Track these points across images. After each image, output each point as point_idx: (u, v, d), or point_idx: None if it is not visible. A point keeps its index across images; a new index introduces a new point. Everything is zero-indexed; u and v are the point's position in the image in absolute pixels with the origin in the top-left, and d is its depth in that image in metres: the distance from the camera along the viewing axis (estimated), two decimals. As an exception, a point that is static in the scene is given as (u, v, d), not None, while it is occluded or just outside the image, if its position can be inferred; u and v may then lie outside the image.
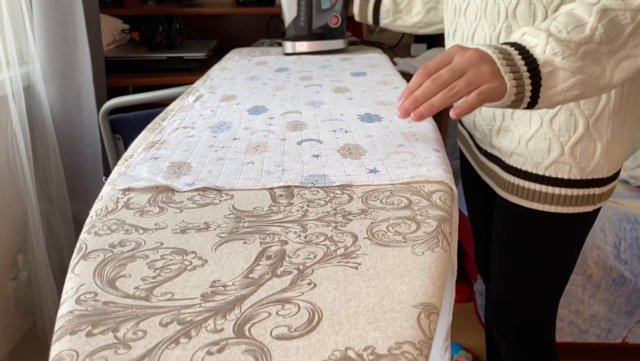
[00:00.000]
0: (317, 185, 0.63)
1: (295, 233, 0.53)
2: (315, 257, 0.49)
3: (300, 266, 0.48)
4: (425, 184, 0.62)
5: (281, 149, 0.74)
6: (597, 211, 0.95)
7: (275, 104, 0.94)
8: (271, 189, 0.63)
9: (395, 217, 0.56)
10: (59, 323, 0.42)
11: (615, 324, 1.69)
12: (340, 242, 0.52)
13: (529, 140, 0.90)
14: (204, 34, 2.34)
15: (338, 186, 0.63)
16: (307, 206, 0.59)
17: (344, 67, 1.23)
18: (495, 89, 0.70)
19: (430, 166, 0.67)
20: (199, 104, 0.95)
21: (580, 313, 1.66)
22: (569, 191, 0.90)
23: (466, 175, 1.19)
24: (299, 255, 0.50)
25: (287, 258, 0.49)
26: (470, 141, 1.08)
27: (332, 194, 0.61)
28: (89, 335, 0.40)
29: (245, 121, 0.85)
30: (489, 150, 0.99)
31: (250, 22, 2.39)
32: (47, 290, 1.72)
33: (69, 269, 0.49)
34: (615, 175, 0.94)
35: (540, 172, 0.91)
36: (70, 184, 1.80)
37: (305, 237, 0.53)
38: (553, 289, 1.03)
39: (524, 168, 0.92)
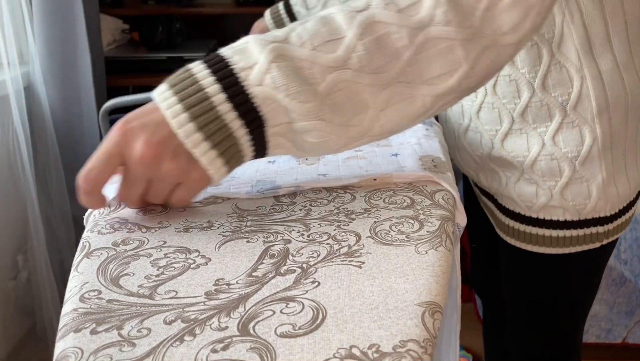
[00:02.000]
0: (263, 192, 0.61)
1: (299, 231, 0.54)
2: (318, 256, 0.49)
3: (304, 265, 0.48)
4: (429, 184, 0.62)
5: None
6: (611, 243, 0.85)
7: None
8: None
9: (398, 216, 0.56)
10: (63, 321, 0.42)
11: (615, 324, 1.69)
12: (344, 241, 0.52)
13: (515, 183, 0.81)
14: (204, 34, 2.34)
15: (341, 186, 0.63)
16: (310, 205, 0.59)
17: None
18: (195, 184, 0.53)
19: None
20: None
21: (580, 313, 1.66)
22: (567, 233, 0.81)
23: (465, 193, 1.11)
24: (302, 254, 0.50)
25: (290, 257, 0.49)
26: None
27: (334, 193, 0.61)
28: (94, 332, 0.40)
29: None
30: (481, 186, 0.92)
31: (250, 22, 2.38)
32: (47, 290, 1.72)
33: (72, 268, 0.49)
34: (625, 209, 0.83)
35: (534, 215, 0.82)
36: (70, 184, 1.80)
37: (308, 236, 0.53)
38: (574, 322, 0.96)
39: (516, 210, 0.84)
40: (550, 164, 0.76)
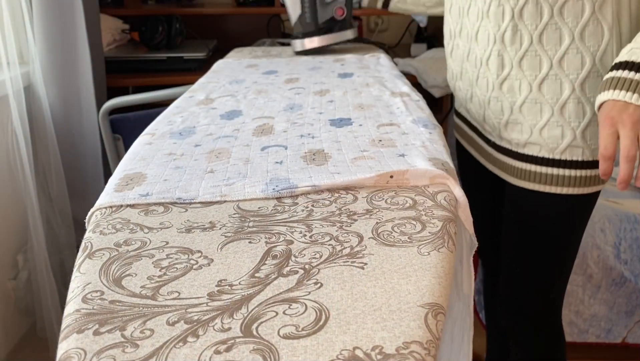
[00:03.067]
0: (279, 190, 0.61)
1: (301, 232, 0.53)
2: (321, 257, 0.49)
3: (307, 266, 0.48)
4: (430, 185, 0.62)
5: (244, 155, 0.71)
6: (598, 193, 1.00)
7: (252, 109, 0.91)
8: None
9: (400, 217, 0.56)
10: (65, 322, 0.42)
11: (615, 324, 1.69)
12: (346, 242, 0.52)
13: (542, 128, 0.93)
14: (204, 34, 2.34)
15: (344, 187, 0.62)
16: (312, 205, 0.59)
17: (333, 69, 1.22)
18: None
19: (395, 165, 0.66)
20: (173, 108, 0.93)
21: (580, 313, 1.66)
22: (581, 173, 0.94)
23: (467, 171, 1.20)
24: (304, 255, 0.50)
25: (292, 258, 0.49)
26: (475, 135, 1.10)
27: (336, 194, 0.61)
28: (96, 333, 0.40)
29: (213, 126, 0.82)
30: (498, 142, 1.02)
31: (250, 22, 2.39)
32: (47, 290, 1.72)
33: (75, 268, 0.49)
34: None
35: (557, 157, 0.94)
36: (70, 184, 1.80)
37: (310, 237, 0.53)
38: (562, 269, 1.06)
39: (540, 155, 0.95)
40: (577, 108, 0.89)
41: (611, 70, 0.79)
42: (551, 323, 1.10)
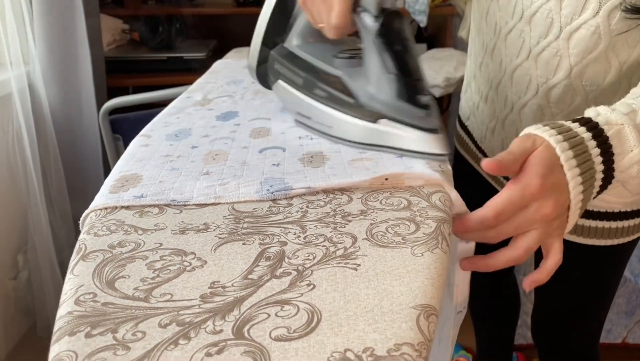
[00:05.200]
0: (272, 192, 0.61)
1: (295, 233, 0.53)
2: (314, 258, 0.49)
3: (300, 267, 0.48)
4: (425, 186, 0.62)
5: (242, 157, 0.71)
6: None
7: (249, 110, 0.90)
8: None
9: (394, 218, 0.56)
10: (58, 324, 0.42)
11: (615, 324, 1.69)
12: (340, 243, 0.52)
13: None
14: (204, 34, 2.34)
15: (339, 189, 0.62)
16: (307, 206, 0.58)
17: None
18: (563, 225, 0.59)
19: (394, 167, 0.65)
20: (170, 108, 0.92)
21: (580, 313, 1.66)
22: (625, 223, 0.87)
23: (466, 182, 1.09)
24: (298, 256, 0.50)
25: (286, 259, 0.49)
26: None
27: (331, 195, 0.61)
28: (88, 336, 0.40)
29: (209, 128, 0.82)
30: None
31: (250, 22, 2.38)
32: (47, 290, 1.72)
33: (68, 270, 0.49)
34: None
35: (602, 210, 0.85)
36: (70, 184, 1.80)
37: (304, 238, 0.53)
38: (605, 305, 1.03)
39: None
40: None
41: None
42: (592, 356, 1.08)
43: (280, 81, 0.81)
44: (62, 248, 1.81)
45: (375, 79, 0.68)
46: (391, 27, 0.66)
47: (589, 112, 0.61)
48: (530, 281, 0.60)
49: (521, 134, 0.60)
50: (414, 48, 0.68)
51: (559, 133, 0.57)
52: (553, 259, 0.59)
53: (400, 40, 0.67)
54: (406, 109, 0.66)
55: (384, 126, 0.69)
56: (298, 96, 0.78)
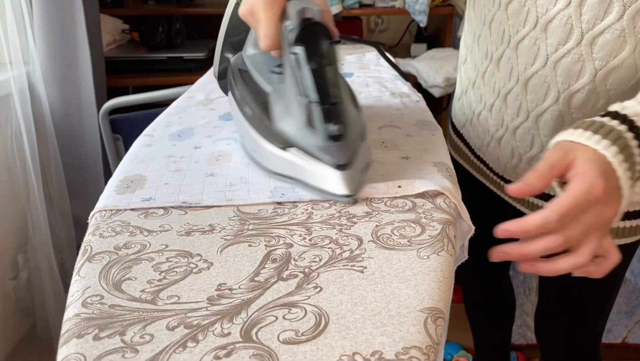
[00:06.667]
0: (286, 200, 0.60)
1: (300, 235, 0.53)
2: (320, 260, 0.49)
3: (306, 270, 0.48)
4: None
5: (245, 158, 0.70)
6: None
7: None
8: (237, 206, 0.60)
9: (399, 220, 0.56)
10: (65, 326, 0.42)
11: (615, 324, 1.69)
12: (346, 245, 0.52)
13: None
14: (204, 34, 2.34)
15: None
16: (312, 208, 0.58)
17: None
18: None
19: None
20: (172, 108, 0.92)
21: (580, 314, 1.66)
22: (633, 223, 0.86)
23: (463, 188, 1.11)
24: (304, 258, 0.50)
25: (292, 261, 0.49)
26: (485, 168, 1.00)
27: (336, 197, 0.61)
28: (96, 338, 0.40)
29: (212, 128, 0.82)
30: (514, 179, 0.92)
31: (250, 22, 2.38)
32: (47, 290, 1.72)
33: (74, 272, 0.49)
34: None
35: None
36: (70, 184, 1.80)
37: (310, 240, 0.53)
38: (608, 305, 1.03)
39: None
40: None
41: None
42: (594, 355, 1.09)
43: (230, 93, 0.74)
44: (62, 248, 1.81)
45: (288, 100, 0.61)
46: (308, 40, 0.58)
47: (615, 107, 0.60)
48: (585, 272, 0.58)
49: (552, 142, 0.59)
50: (333, 67, 0.59)
51: (595, 133, 0.56)
52: (613, 261, 0.57)
53: (316, 57, 0.58)
54: (313, 138, 0.58)
55: (292, 155, 0.61)
56: (235, 112, 0.71)
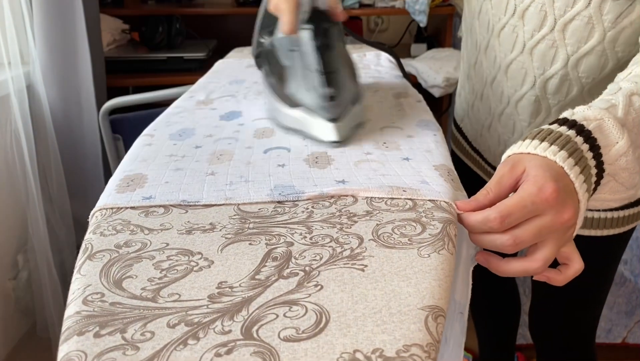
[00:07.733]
0: (285, 199, 0.60)
1: (301, 234, 0.53)
2: (321, 258, 0.49)
3: (307, 268, 0.48)
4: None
5: (246, 158, 0.71)
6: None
7: (252, 110, 0.90)
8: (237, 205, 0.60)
9: (400, 219, 0.56)
10: (66, 324, 0.42)
11: (615, 324, 1.69)
12: (346, 244, 0.52)
13: None
14: (204, 34, 2.34)
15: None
16: (312, 207, 0.59)
17: None
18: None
19: (402, 176, 0.64)
20: (173, 108, 0.92)
21: (580, 314, 1.66)
22: (626, 212, 0.88)
23: (464, 183, 1.12)
24: (305, 257, 0.50)
25: (293, 260, 0.49)
26: (483, 162, 1.03)
27: (336, 196, 0.61)
28: (97, 335, 0.40)
29: (213, 128, 0.82)
30: None
31: (250, 22, 2.38)
32: (47, 290, 1.72)
33: (75, 270, 0.49)
34: None
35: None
36: (70, 184, 1.80)
37: (310, 238, 0.53)
38: (602, 295, 1.04)
39: None
40: None
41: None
42: (589, 349, 1.09)
43: (262, 70, 0.90)
44: (62, 248, 1.81)
45: (299, 71, 0.77)
46: (317, 25, 0.74)
47: (564, 114, 0.60)
48: (545, 277, 0.58)
49: (503, 157, 0.59)
50: (336, 46, 0.76)
51: (543, 140, 0.56)
52: (575, 268, 0.57)
53: (319, 36, 0.74)
54: (314, 99, 0.74)
55: (298, 112, 0.78)
56: (263, 83, 0.89)
